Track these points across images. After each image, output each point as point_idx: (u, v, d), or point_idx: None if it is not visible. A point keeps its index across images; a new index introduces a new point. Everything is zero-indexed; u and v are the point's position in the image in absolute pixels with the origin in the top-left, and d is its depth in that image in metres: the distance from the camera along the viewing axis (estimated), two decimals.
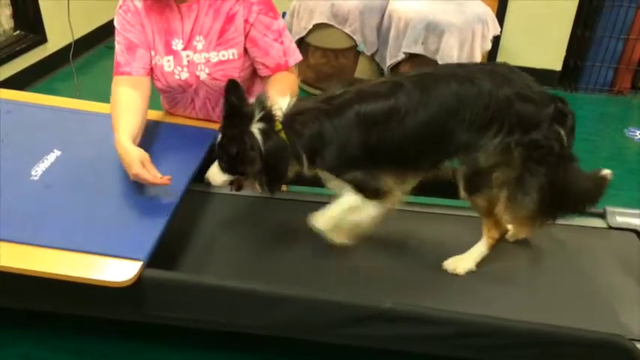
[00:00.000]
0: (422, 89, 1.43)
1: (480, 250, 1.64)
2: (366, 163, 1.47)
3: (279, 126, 1.44)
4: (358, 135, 1.43)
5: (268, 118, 1.44)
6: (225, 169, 1.53)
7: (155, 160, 1.61)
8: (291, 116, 1.46)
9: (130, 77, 1.77)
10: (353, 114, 1.42)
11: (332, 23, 3.30)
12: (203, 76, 1.82)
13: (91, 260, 1.39)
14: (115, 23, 1.80)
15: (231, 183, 1.59)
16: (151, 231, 1.47)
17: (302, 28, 3.40)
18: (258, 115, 1.44)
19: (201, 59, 1.80)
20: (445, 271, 1.65)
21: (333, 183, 1.54)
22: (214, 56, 1.80)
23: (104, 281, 1.35)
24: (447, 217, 1.89)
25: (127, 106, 1.71)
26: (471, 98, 1.41)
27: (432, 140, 1.46)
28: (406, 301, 1.42)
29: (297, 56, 1.86)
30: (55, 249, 1.40)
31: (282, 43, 1.80)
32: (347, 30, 3.31)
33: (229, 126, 1.47)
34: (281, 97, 1.52)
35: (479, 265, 1.65)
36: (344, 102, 1.44)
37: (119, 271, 1.36)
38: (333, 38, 3.37)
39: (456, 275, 1.63)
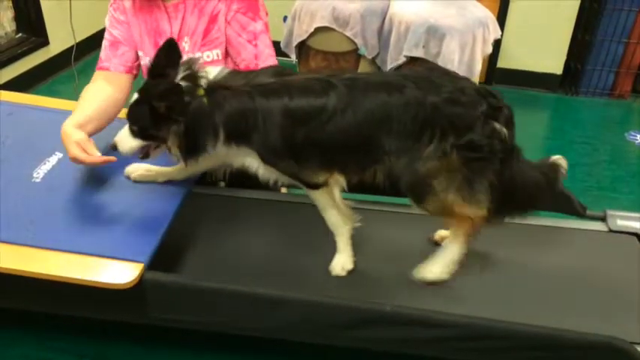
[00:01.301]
0: (352, 94, 1.40)
1: (451, 253, 1.58)
2: (292, 157, 1.44)
3: (201, 91, 1.40)
4: (282, 127, 1.40)
5: (192, 79, 1.40)
6: (138, 133, 1.45)
7: (157, 163, 1.62)
8: (217, 87, 1.42)
9: (107, 72, 1.78)
10: (280, 105, 1.39)
11: (333, 26, 3.30)
12: None
13: (93, 262, 1.39)
14: (105, 20, 1.82)
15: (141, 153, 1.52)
16: (152, 233, 1.47)
17: (303, 31, 3.40)
18: (182, 74, 1.40)
19: (202, 57, 1.79)
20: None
21: (262, 170, 1.50)
22: (199, 58, 1.78)
23: (105, 283, 1.35)
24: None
25: (90, 96, 1.72)
26: (398, 108, 1.40)
27: (358, 146, 1.44)
28: (407, 304, 1.43)
29: (270, 62, 1.79)
30: (56, 251, 1.41)
31: (255, 46, 1.77)
32: (348, 33, 3.31)
33: (152, 84, 1.42)
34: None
35: (479, 268, 1.65)
36: (273, 91, 1.41)
37: (120, 273, 1.37)
38: (334, 41, 3.37)
39: (457, 278, 1.63)
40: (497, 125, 1.43)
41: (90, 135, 1.60)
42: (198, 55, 1.77)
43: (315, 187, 1.53)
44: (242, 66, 1.79)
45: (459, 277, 1.64)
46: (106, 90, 1.74)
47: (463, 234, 1.57)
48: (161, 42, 1.75)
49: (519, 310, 1.52)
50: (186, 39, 1.78)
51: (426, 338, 1.43)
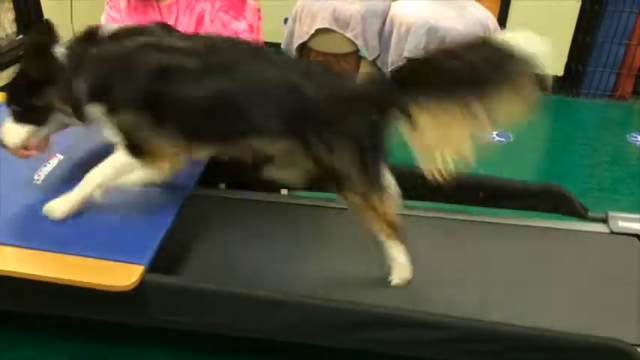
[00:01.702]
0: (225, 61, 1.38)
1: (397, 252, 1.54)
2: (149, 116, 1.39)
3: (67, 47, 1.37)
4: (144, 82, 1.35)
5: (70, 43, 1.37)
6: (20, 113, 1.40)
7: None
8: (85, 43, 1.38)
9: None
10: (146, 59, 1.35)
11: (334, 28, 3.31)
12: None
13: (93, 264, 1.39)
14: (102, 17, 1.85)
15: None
16: (153, 235, 1.47)
17: (304, 32, 3.40)
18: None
19: None
20: (448, 276, 1.64)
21: (107, 129, 1.44)
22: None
23: (105, 285, 1.35)
24: (436, 220, 1.89)
25: None
26: (267, 88, 1.37)
27: (221, 114, 1.40)
28: (408, 306, 1.43)
29: None
30: (56, 253, 1.41)
31: None
32: (349, 35, 3.31)
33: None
34: None
35: (479, 270, 1.64)
36: (141, 45, 1.37)
37: (120, 275, 1.36)
38: (335, 43, 3.37)
39: (457, 280, 1.63)
40: (367, 118, 1.40)
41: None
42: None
43: (144, 155, 1.45)
44: None
45: (459, 279, 1.64)
46: None
47: (381, 230, 1.51)
48: None
49: (520, 312, 1.51)
50: None
51: (426, 340, 1.42)
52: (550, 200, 1.88)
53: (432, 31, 3.16)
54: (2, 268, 1.37)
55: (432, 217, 1.90)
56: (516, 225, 1.87)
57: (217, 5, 1.74)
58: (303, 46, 3.47)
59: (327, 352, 1.64)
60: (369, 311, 1.41)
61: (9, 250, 1.41)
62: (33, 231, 1.46)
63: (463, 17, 3.26)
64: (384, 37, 3.41)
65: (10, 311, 1.65)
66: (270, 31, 3.94)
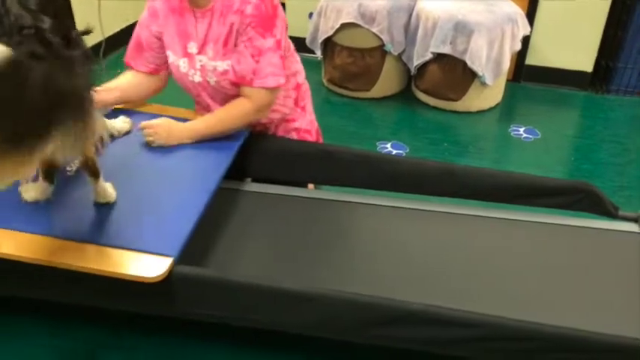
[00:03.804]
0: None
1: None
2: None
3: None
4: None
5: None
6: None
7: (187, 157, 1.63)
8: None
9: (132, 70, 1.96)
10: None
11: (359, 23, 3.29)
12: (212, 82, 1.84)
13: (122, 255, 1.41)
14: (140, 16, 1.87)
15: None
16: (181, 227, 1.48)
17: (329, 27, 3.39)
18: None
19: (210, 66, 1.81)
20: (476, 274, 1.63)
21: None
22: (220, 65, 1.80)
23: (135, 276, 1.37)
24: (468, 218, 1.88)
25: (122, 76, 1.95)
26: None
27: None
28: (433, 303, 1.42)
29: (266, 81, 1.76)
30: (87, 243, 1.43)
31: (257, 62, 1.74)
32: (374, 29, 3.30)
33: None
34: (213, 119, 1.76)
35: (509, 267, 1.63)
36: None
37: (150, 266, 1.38)
38: (360, 38, 3.36)
39: (485, 277, 1.62)
40: None
41: (112, 103, 1.88)
42: (214, 63, 1.79)
43: None
44: (237, 75, 1.78)
45: (487, 276, 1.63)
46: (128, 80, 1.95)
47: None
48: (189, 46, 1.81)
49: (549, 310, 1.50)
50: (210, 44, 1.79)
51: (451, 338, 1.41)
52: (580, 199, 1.86)
53: (459, 25, 3.13)
54: (31, 257, 1.39)
55: (463, 214, 1.89)
56: (546, 223, 1.86)
57: (247, 20, 1.71)
58: (328, 41, 3.46)
59: (351, 350, 1.65)
60: (396, 307, 1.40)
61: (39, 239, 1.43)
62: (64, 222, 1.48)
63: (491, 12, 3.22)
64: (409, 32, 3.39)
65: (40, 299, 1.68)
66: (295, 26, 3.96)
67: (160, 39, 1.86)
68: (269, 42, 1.73)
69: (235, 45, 1.76)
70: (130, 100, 1.96)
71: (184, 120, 1.87)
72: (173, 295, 1.45)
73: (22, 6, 1.22)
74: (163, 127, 1.80)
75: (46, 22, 1.22)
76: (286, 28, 1.84)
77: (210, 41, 1.78)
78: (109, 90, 1.89)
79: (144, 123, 1.81)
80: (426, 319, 1.39)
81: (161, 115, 1.87)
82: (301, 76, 2.04)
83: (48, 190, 1.55)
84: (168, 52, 1.87)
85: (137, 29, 1.89)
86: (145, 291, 1.40)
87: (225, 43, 1.76)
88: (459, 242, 1.77)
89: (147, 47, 1.89)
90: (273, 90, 1.81)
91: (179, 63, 1.86)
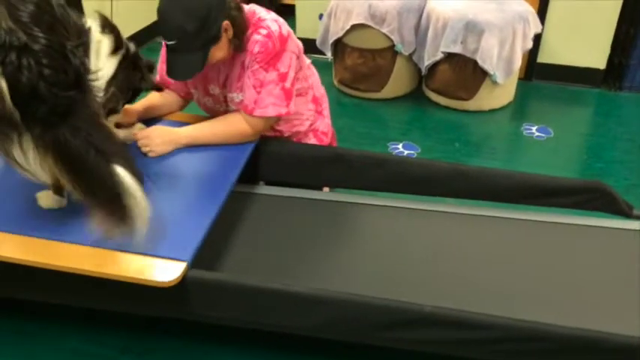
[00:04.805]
0: None
1: None
2: None
3: None
4: None
5: None
6: None
7: (200, 161, 1.64)
8: None
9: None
10: None
11: (369, 24, 3.29)
12: (232, 109, 1.92)
13: (137, 260, 1.42)
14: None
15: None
16: (195, 232, 1.50)
17: (339, 28, 3.40)
18: None
19: (229, 97, 1.90)
20: (483, 274, 1.63)
21: None
22: (236, 97, 1.88)
23: (149, 281, 1.38)
24: (482, 218, 1.88)
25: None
26: None
27: None
28: (446, 304, 1.42)
29: (266, 111, 1.82)
30: (102, 249, 1.44)
31: (258, 92, 1.81)
32: (384, 30, 3.29)
33: None
34: (212, 130, 1.83)
35: (521, 268, 1.62)
36: None
37: (164, 271, 1.39)
38: (371, 38, 3.35)
39: (497, 278, 1.61)
40: None
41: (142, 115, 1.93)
42: (232, 95, 1.88)
43: None
44: (242, 104, 1.85)
45: (502, 277, 1.62)
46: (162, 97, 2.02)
47: None
48: (210, 88, 1.92)
49: (565, 312, 1.49)
50: (228, 82, 1.88)
51: (465, 340, 1.41)
52: (594, 198, 1.85)
53: (470, 25, 3.12)
54: (49, 262, 1.41)
55: (475, 215, 1.89)
56: (559, 223, 1.85)
57: (254, 57, 1.78)
58: (338, 42, 3.46)
59: (364, 352, 1.65)
60: (410, 309, 1.41)
61: (54, 245, 1.45)
62: (79, 228, 1.50)
63: (502, 11, 3.21)
64: (420, 33, 3.38)
65: (60, 304, 1.71)
66: (305, 28, 3.97)
67: None
68: (271, 75, 1.79)
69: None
70: (154, 116, 2.01)
71: (182, 124, 1.92)
72: (187, 298, 1.47)
73: (14, 20, 1.24)
74: (157, 134, 1.84)
75: (39, 40, 1.24)
76: (300, 51, 1.90)
77: (228, 80, 1.87)
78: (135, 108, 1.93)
79: (138, 133, 1.84)
80: (440, 322, 1.39)
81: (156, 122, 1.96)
82: (317, 88, 2.11)
83: (62, 201, 1.58)
84: (192, 90, 1.98)
85: (161, 65, 1.92)
86: (159, 295, 1.42)
87: (239, 79, 1.85)
88: (472, 243, 1.77)
89: (171, 84, 2.00)
90: (272, 118, 1.89)
91: (205, 100, 1.98)
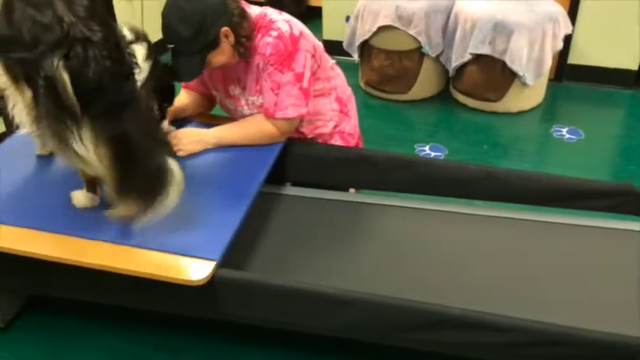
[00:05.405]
0: None
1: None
2: None
3: None
4: None
5: None
6: None
7: (228, 162, 1.66)
8: None
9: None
10: None
11: (397, 25, 3.28)
12: (254, 112, 1.93)
13: (168, 259, 1.45)
14: None
15: None
16: (224, 232, 1.52)
17: (366, 30, 3.40)
18: None
19: (250, 101, 1.91)
20: (514, 277, 1.61)
21: None
22: (257, 100, 1.90)
23: (179, 279, 1.41)
24: (508, 221, 1.86)
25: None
26: None
27: None
28: (472, 306, 1.41)
29: (286, 112, 1.83)
30: (133, 247, 1.47)
31: (276, 95, 1.81)
32: (412, 32, 3.28)
33: None
34: (240, 132, 1.85)
35: (541, 271, 1.60)
36: None
37: (193, 270, 1.42)
38: (398, 40, 3.35)
39: (518, 282, 1.60)
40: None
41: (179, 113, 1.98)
42: (253, 98, 1.90)
43: None
44: (263, 108, 1.87)
45: (520, 281, 1.61)
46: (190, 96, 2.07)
47: None
48: (229, 87, 1.93)
49: (594, 316, 1.47)
50: (247, 84, 1.89)
51: (492, 343, 1.40)
52: (626, 201, 1.82)
53: (498, 26, 3.09)
54: (82, 260, 1.45)
55: (503, 217, 1.88)
56: (590, 226, 1.82)
57: (267, 60, 1.79)
58: (365, 44, 3.47)
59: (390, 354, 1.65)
60: (436, 311, 1.40)
61: (87, 242, 1.49)
62: (111, 228, 1.53)
63: (532, 12, 3.17)
64: (447, 34, 3.36)
65: (94, 302, 1.74)
66: (332, 30, 3.98)
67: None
68: (287, 76, 1.80)
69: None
70: (181, 116, 2.03)
71: (211, 125, 1.95)
72: (216, 297, 1.48)
73: (73, 13, 1.28)
74: (185, 134, 1.87)
75: (97, 33, 1.29)
76: (315, 50, 1.89)
77: (247, 82, 1.89)
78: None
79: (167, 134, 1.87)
80: (466, 324, 1.39)
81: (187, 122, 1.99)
82: (342, 89, 2.10)
83: (95, 198, 1.61)
84: (214, 92, 2.01)
85: None
86: (189, 294, 1.44)
87: (257, 82, 1.86)
88: (499, 245, 1.76)
89: (193, 88, 2.05)
90: (295, 119, 1.89)
91: (226, 102, 1.99)
